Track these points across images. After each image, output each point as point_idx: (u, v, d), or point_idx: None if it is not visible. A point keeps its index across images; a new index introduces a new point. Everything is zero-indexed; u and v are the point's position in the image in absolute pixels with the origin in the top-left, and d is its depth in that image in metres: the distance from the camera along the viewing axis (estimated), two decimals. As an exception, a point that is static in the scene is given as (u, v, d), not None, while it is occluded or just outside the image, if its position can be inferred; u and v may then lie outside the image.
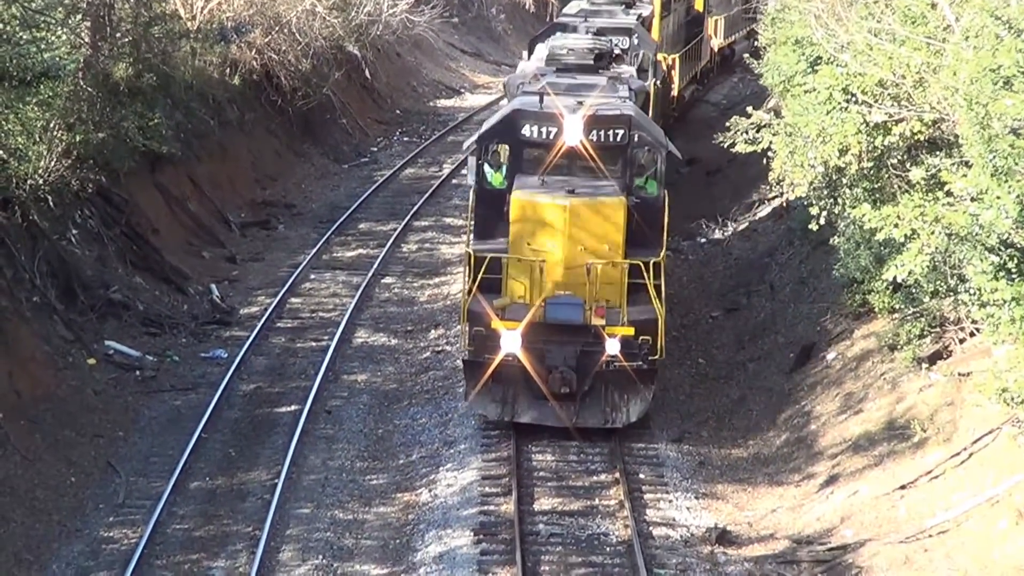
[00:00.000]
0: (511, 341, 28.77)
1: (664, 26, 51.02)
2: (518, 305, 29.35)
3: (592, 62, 34.55)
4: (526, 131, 30.52)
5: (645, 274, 28.94)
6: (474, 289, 29.26)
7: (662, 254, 29.83)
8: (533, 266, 29.26)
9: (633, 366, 29.02)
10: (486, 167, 31.03)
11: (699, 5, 60.60)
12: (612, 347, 28.80)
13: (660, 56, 45.96)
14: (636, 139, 30.50)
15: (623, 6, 49.21)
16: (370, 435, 31.37)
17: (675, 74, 51.50)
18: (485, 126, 32.02)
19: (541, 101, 30.53)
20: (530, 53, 42.43)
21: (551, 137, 30.20)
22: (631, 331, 28.88)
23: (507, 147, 30.90)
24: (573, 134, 29.75)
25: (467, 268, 29.98)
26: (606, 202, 29.51)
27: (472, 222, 31.22)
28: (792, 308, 36.57)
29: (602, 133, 30.23)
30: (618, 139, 30.40)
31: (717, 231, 45.06)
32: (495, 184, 30.92)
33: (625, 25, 44.87)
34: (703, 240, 44.73)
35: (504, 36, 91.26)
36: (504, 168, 30.91)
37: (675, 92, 51.92)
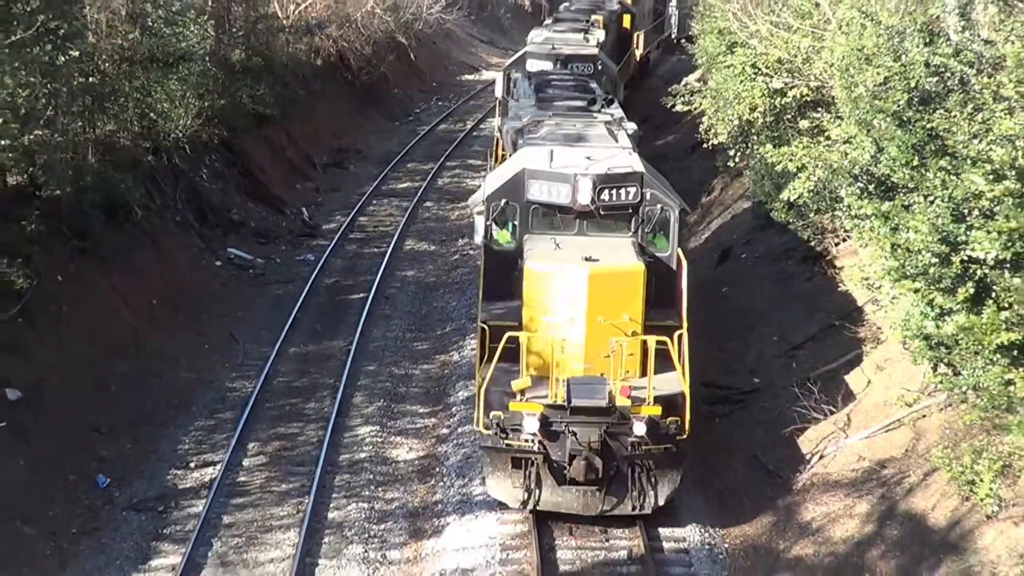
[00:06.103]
0: (532, 424, 20.00)
1: (605, 44, 44.64)
2: (536, 380, 20.28)
3: (585, 104, 27.19)
4: (535, 191, 21.84)
5: (671, 346, 20.39)
6: (491, 370, 20.13)
7: (685, 325, 20.75)
8: (552, 343, 20.15)
9: (661, 449, 20.29)
10: (493, 226, 22.16)
11: (627, 23, 51.24)
12: (639, 429, 19.95)
13: None
14: (648, 197, 21.80)
15: (581, 33, 41.31)
16: (416, 314, 31.40)
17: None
18: (492, 185, 22.71)
19: (551, 159, 22.25)
20: (507, 83, 35.06)
21: (562, 197, 21.70)
22: (658, 410, 19.99)
23: (515, 206, 22.06)
24: (585, 195, 21.53)
25: (481, 341, 20.97)
26: (626, 269, 20.58)
27: (482, 283, 22.21)
28: (717, 221, 36.49)
29: (614, 192, 21.70)
30: (630, 197, 21.72)
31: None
32: (502, 243, 22.14)
33: (589, 53, 37.41)
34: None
35: (510, 29, 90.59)
36: (511, 226, 22.12)
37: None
